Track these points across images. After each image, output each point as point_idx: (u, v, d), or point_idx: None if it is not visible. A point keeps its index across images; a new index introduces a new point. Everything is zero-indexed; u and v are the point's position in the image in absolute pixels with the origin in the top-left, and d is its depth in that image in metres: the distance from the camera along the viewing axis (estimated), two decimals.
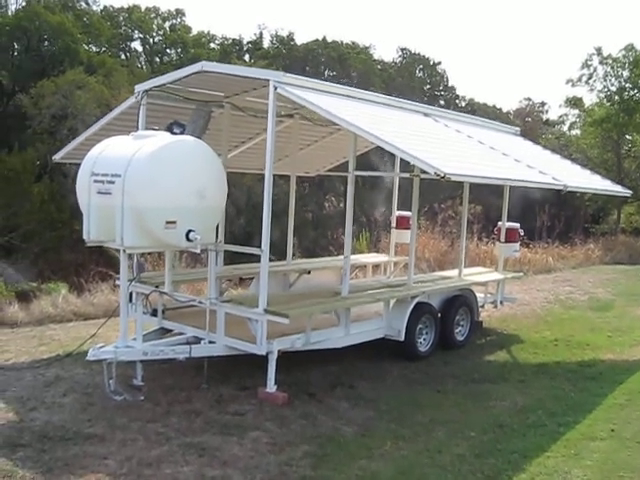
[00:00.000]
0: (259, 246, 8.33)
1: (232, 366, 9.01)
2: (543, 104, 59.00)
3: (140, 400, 7.89)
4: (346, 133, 13.30)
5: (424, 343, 10.27)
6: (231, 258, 14.88)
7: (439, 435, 7.35)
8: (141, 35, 50.11)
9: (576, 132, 45.76)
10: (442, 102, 51.77)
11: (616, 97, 36.56)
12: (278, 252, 16.22)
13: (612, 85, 36.94)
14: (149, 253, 14.11)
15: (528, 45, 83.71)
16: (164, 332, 9.31)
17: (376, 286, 10.54)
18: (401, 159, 15.80)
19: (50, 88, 32.02)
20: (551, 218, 28.85)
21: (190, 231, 7.74)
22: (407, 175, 9.91)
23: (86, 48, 42.90)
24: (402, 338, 9.72)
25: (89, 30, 44.89)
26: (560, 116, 43.07)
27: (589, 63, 37.08)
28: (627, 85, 36.23)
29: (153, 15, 51.02)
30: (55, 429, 7.05)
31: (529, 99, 59.11)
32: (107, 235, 7.75)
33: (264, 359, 8.20)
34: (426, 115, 10.12)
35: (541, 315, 14.31)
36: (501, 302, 12.73)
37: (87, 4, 48.92)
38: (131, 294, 8.89)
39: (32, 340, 10.81)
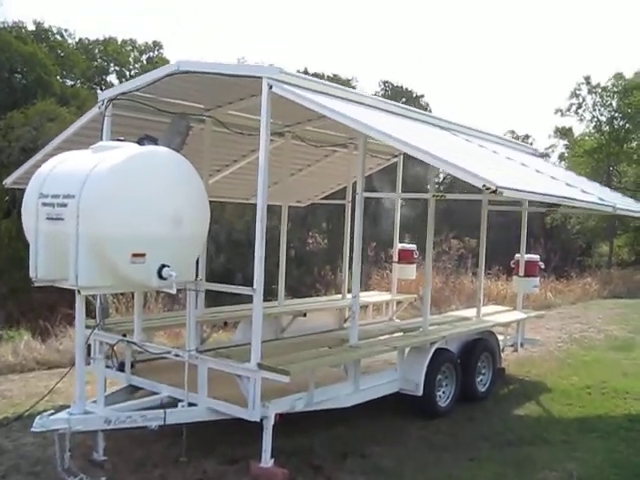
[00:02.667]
0: (243, 284, 6.78)
1: (217, 432, 7.36)
2: (527, 137, 58.11)
3: None
4: (342, 156, 11.91)
5: (444, 397, 8.68)
6: (210, 299, 13.28)
7: None
8: (117, 67, 48.67)
9: (563, 163, 44.81)
10: None
11: (606, 127, 35.74)
12: (264, 292, 14.67)
13: (601, 115, 36.10)
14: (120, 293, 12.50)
15: (511, 77, 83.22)
16: (134, 390, 7.66)
17: (387, 330, 8.96)
18: (405, 180, 14.59)
19: (20, 120, 30.38)
20: (546, 252, 27.64)
21: (163, 266, 6.12)
22: (427, 196, 8.37)
23: (60, 80, 41.41)
24: (420, 392, 8.12)
25: (63, 62, 43.50)
26: (548, 147, 41.98)
27: (578, 92, 36.31)
28: (617, 114, 35.36)
29: (129, 47, 49.65)
30: None
31: (512, 132, 58.21)
32: (59, 272, 6.09)
33: (257, 424, 6.57)
34: (442, 128, 8.66)
35: (560, 357, 12.81)
36: (521, 344, 11.19)
37: (62, 36, 47.60)
38: (90, 346, 7.21)
39: None
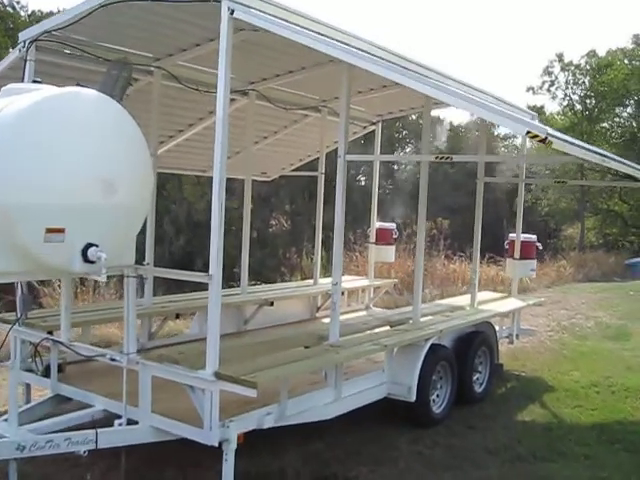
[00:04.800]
0: (202, 269, 5.34)
1: (167, 449, 5.92)
2: None
3: None
4: (314, 122, 10.46)
5: (438, 401, 7.34)
6: (169, 286, 11.72)
7: None
8: None
9: (532, 143, 43.66)
10: None
11: (578, 106, 34.75)
12: (223, 277, 13.21)
13: (574, 93, 35.06)
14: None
15: (480, 52, 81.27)
16: (62, 401, 6.19)
17: (373, 324, 7.54)
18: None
19: None
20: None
21: (90, 246, 4.66)
22: (427, 158, 6.96)
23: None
24: (413, 397, 6.76)
25: (14, 34, 41.20)
26: None
27: (550, 70, 35.18)
28: (590, 93, 34.34)
29: None
30: None
31: None
32: None
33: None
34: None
35: (555, 348, 11.57)
36: (517, 336, 9.91)
37: (13, 8, 45.24)
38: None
39: None
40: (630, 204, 33.28)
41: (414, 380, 6.76)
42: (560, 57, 34.80)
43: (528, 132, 3.87)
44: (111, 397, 5.60)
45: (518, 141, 43.64)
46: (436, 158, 6.55)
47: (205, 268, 5.25)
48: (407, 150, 34.60)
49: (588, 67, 34.51)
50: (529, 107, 38.19)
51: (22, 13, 46.62)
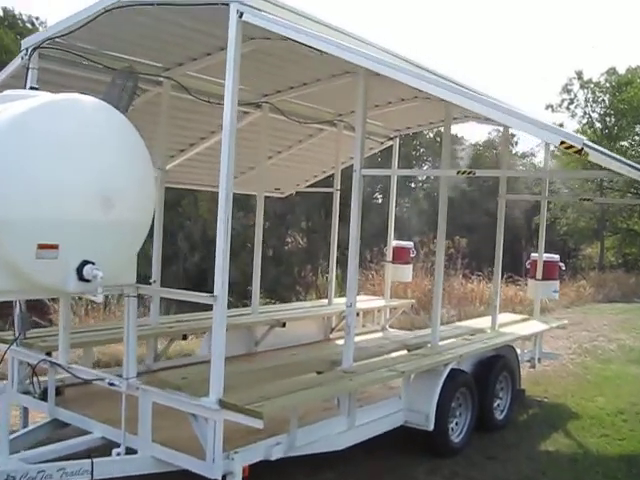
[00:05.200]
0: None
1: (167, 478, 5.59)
2: (513, 136, 56.45)
3: None
4: (329, 136, 10.14)
5: (457, 429, 6.94)
6: (180, 303, 11.39)
7: None
8: None
9: (552, 162, 43.04)
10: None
11: (597, 124, 34.32)
12: (236, 295, 12.76)
13: (593, 111, 34.63)
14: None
15: (499, 70, 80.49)
16: (60, 426, 5.86)
17: (389, 347, 7.17)
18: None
19: None
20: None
21: (86, 263, 4.35)
22: (448, 173, 6.64)
23: None
24: (431, 426, 6.38)
25: None
26: (538, 144, 40.25)
27: (569, 87, 34.78)
28: (609, 111, 33.92)
29: None
30: None
31: (498, 130, 56.59)
32: None
33: None
34: None
35: (577, 372, 11.14)
36: (539, 360, 9.51)
37: (32, 24, 45.49)
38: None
39: None
40: None
41: (432, 407, 6.39)
42: (579, 75, 34.43)
43: (562, 142, 3.52)
44: (110, 423, 5.28)
45: (537, 159, 43.28)
46: (457, 172, 6.19)
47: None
48: (424, 168, 34.17)
49: (608, 85, 34.12)
50: None
51: (41, 29, 46.93)
